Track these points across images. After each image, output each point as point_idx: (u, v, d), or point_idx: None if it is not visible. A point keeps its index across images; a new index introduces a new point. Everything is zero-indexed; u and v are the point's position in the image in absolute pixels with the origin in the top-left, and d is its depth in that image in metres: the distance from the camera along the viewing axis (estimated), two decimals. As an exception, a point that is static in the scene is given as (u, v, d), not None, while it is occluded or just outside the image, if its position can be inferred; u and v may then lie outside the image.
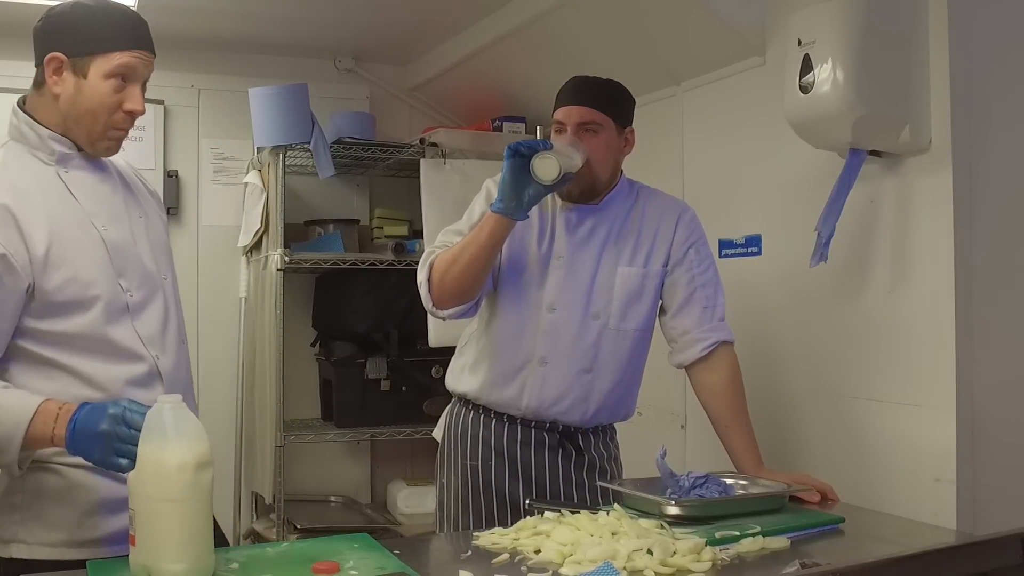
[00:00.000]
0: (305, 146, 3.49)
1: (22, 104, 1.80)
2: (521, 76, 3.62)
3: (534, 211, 2.18)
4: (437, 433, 2.46)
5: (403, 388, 3.72)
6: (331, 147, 3.51)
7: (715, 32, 2.71)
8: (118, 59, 1.73)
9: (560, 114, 2.19)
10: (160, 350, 1.78)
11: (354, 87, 4.09)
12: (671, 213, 2.25)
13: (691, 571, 1.51)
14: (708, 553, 1.57)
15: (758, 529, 1.71)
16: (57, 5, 1.76)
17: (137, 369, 1.74)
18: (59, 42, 1.74)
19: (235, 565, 1.53)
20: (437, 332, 3.49)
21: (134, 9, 1.79)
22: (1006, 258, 2.21)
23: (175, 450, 1.43)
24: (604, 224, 2.21)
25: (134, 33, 1.76)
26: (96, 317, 1.70)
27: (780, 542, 1.68)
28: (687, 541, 1.59)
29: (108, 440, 1.50)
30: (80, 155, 1.78)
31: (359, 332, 3.67)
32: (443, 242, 2.24)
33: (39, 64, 1.76)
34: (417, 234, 3.78)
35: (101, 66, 1.72)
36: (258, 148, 3.60)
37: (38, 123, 1.76)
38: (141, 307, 1.77)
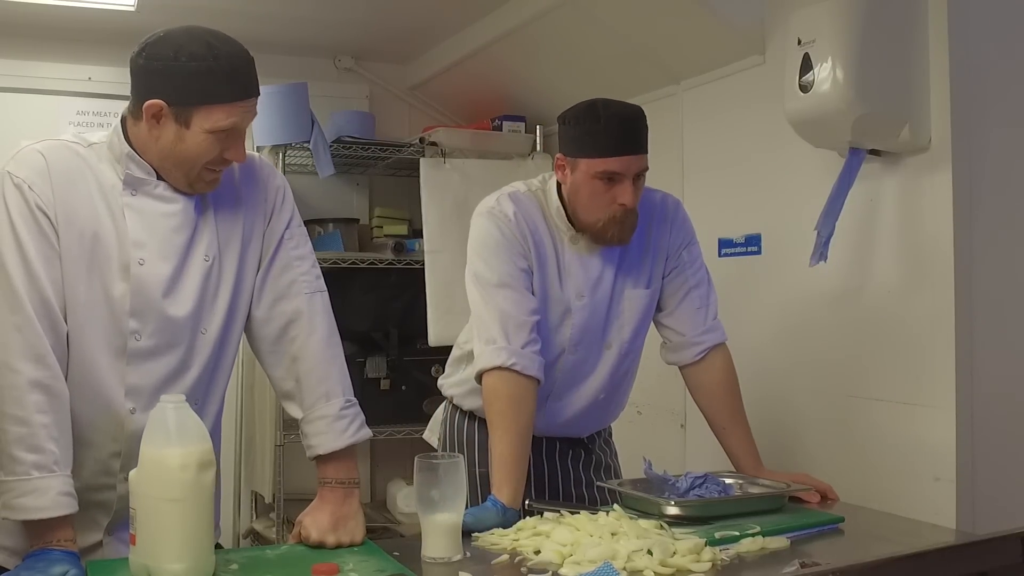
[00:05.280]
0: (305, 145, 3.49)
1: (124, 117, 1.68)
2: (521, 75, 3.62)
3: (549, 252, 2.06)
4: (430, 436, 2.44)
5: (403, 387, 3.72)
6: (331, 146, 3.52)
7: (715, 31, 2.70)
8: (222, 114, 1.60)
9: (618, 165, 1.96)
10: (143, 404, 1.64)
11: (354, 86, 4.09)
12: (662, 218, 2.17)
13: (691, 571, 1.51)
14: (708, 553, 1.56)
15: (758, 529, 1.71)
16: (158, 40, 1.62)
17: (99, 412, 1.64)
18: (160, 89, 1.60)
19: (235, 566, 1.53)
20: (437, 331, 3.50)
21: (242, 49, 1.66)
22: (1006, 257, 2.21)
23: (177, 449, 1.43)
24: (613, 252, 2.11)
25: (239, 82, 1.62)
26: (84, 344, 1.61)
27: (780, 542, 1.67)
28: (687, 541, 1.59)
29: None
30: (160, 183, 1.66)
31: (359, 331, 3.67)
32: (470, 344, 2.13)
33: (138, 102, 1.63)
34: (417, 233, 3.78)
35: (204, 119, 1.60)
36: (258, 147, 3.59)
37: (128, 141, 1.66)
38: (147, 355, 1.65)
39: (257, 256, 1.78)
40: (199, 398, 1.71)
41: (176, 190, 1.68)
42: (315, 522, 1.67)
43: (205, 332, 1.71)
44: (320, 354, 1.77)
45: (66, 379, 1.60)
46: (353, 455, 1.76)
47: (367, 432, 1.77)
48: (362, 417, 1.78)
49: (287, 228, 1.81)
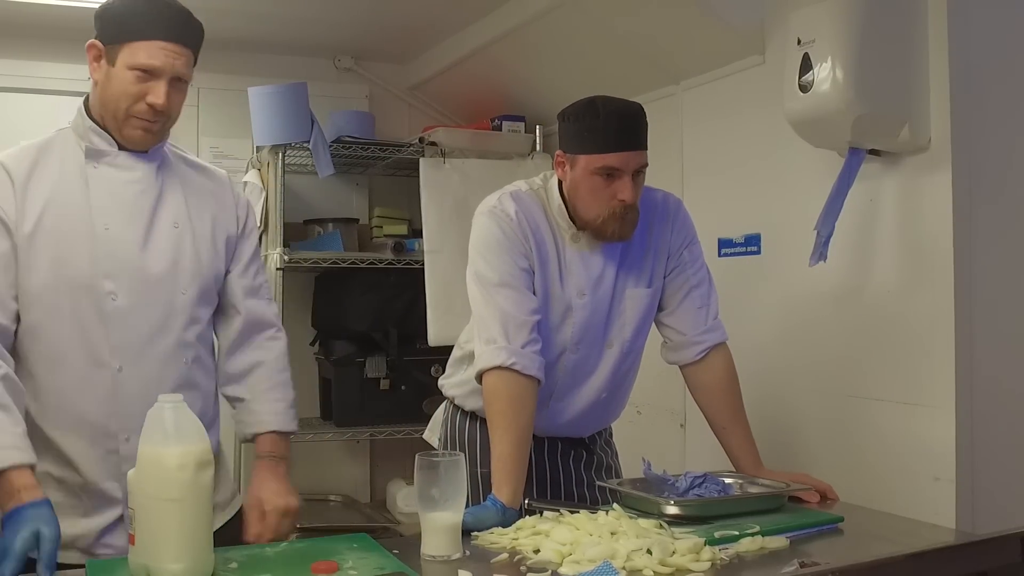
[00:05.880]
0: (304, 145, 3.48)
1: (88, 93, 1.84)
2: (521, 75, 3.62)
3: (550, 251, 2.06)
4: (430, 436, 2.44)
5: (402, 387, 3.72)
6: (330, 146, 3.51)
7: (714, 31, 2.70)
8: (142, 50, 1.72)
9: (616, 160, 1.96)
10: (130, 361, 1.74)
11: (353, 86, 4.08)
12: (663, 217, 2.16)
13: (690, 571, 1.51)
14: (707, 553, 1.57)
15: (757, 529, 1.71)
16: None
17: (87, 375, 1.73)
18: (99, 29, 1.77)
19: (234, 565, 1.53)
20: (437, 331, 3.50)
21: (179, 4, 1.79)
22: (1006, 257, 2.21)
23: (175, 449, 1.43)
24: (614, 251, 2.10)
25: (164, 24, 1.74)
26: (62, 312, 1.72)
27: (779, 541, 1.67)
28: (686, 541, 1.59)
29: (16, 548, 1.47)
30: (120, 153, 1.80)
31: (358, 331, 3.67)
32: (470, 341, 2.13)
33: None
34: (416, 233, 3.78)
35: (126, 56, 1.73)
36: (257, 147, 3.60)
37: (88, 113, 1.81)
38: (126, 313, 1.74)
39: (227, 247, 1.92)
40: (188, 359, 1.82)
41: (135, 156, 1.81)
42: (276, 491, 1.82)
43: (185, 293, 1.82)
44: (284, 351, 2.00)
45: (55, 350, 1.72)
46: (289, 437, 1.99)
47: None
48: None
49: (254, 252, 2.00)
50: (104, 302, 1.73)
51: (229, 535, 1.82)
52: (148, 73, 1.73)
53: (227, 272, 1.93)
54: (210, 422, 1.86)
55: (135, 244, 1.77)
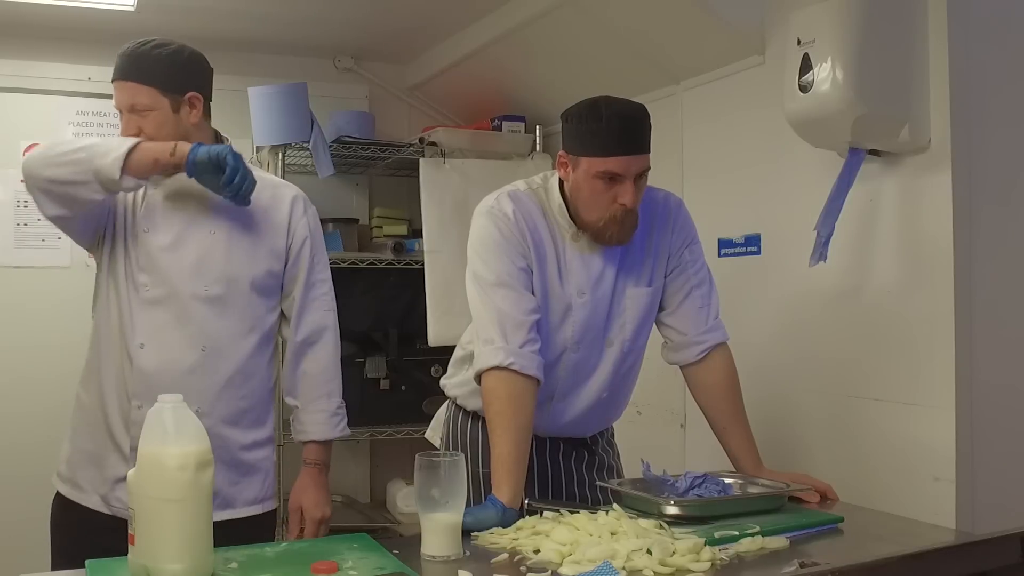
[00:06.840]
0: (304, 145, 3.49)
1: None
2: (521, 76, 3.62)
3: (549, 250, 2.06)
4: (432, 435, 2.44)
5: (402, 387, 3.72)
6: (330, 146, 3.51)
7: (715, 31, 2.71)
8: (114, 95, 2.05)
9: (618, 165, 1.95)
10: (151, 340, 2.01)
11: (353, 86, 4.09)
12: (664, 217, 2.16)
13: (690, 571, 1.51)
14: (707, 553, 1.56)
15: (757, 529, 1.71)
16: None
17: (112, 347, 2.04)
18: None
19: (234, 565, 1.53)
20: (436, 331, 3.50)
21: (136, 42, 2.04)
22: (1006, 257, 2.22)
23: (175, 449, 1.43)
24: (614, 250, 2.09)
25: (116, 67, 2.03)
26: (116, 296, 2.04)
27: (779, 542, 1.67)
28: (686, 541, 1.58)
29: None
30: (167, 179, 2.05)
31: (358, 331, 3.67)
32: (470, 345, 2.17)
33: None
34: (416, 233, 3.78)
35: None
36: (257, 147, 3.60)
37: None
38: (153, 302, 2.02)
39: (273, 256, 2.13)
40: (206, 348, 2.03)
41: (171, 173, 2.03)
42: (315, 501, 2.21)
43: (208, 290, 2.03)
44: (331, 361, 2.21)
45: (112, 324, 2.04)
46: (331, 443, 2.25)
47: (348, 430, 2.25)
48: (346, 418, 2.24)
49: (312, 253, 2.22)
50: (140, 291, 2.03)
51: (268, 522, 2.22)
52: (120, 111, 2.05)
53: (285, 285, 2.19)
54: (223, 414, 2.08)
55: (165, 245, 2.03)
